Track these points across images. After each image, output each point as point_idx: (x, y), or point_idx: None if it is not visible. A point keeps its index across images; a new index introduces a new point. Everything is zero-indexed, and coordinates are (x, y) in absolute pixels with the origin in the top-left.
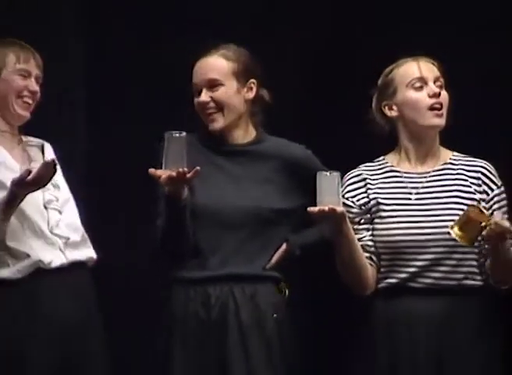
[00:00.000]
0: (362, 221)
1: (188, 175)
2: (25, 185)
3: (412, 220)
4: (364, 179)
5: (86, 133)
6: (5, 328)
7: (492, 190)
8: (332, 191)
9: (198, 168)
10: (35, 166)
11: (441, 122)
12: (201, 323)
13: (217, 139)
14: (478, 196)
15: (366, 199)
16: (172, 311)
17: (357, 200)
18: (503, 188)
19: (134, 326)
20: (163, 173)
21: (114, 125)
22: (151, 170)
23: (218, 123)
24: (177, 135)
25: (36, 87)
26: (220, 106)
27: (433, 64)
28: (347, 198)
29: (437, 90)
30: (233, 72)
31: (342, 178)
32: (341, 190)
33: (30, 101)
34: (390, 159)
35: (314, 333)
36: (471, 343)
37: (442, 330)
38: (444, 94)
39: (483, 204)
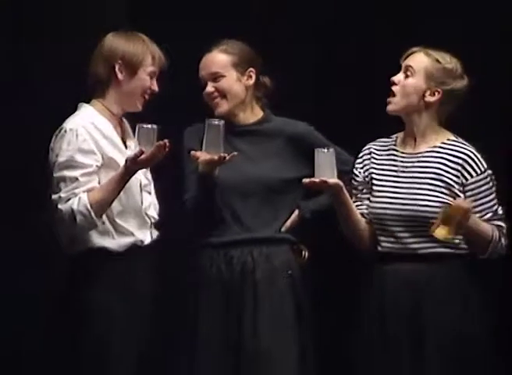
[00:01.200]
0: (364, 191)
1: (227, 158)
2: (137, 163)
3: (394, 196)
4: (370, 153)
5: None
6: (103, 295)
7: (472, 176)
8: (327, 166)
9: (235, 153)
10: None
11: (389, 107)
12: (225, 281)
13: (228, 123)
14: (454, 179)
15: (367, 172)
16: (200, 274)
17: (363, 171)
18: (486, 174)
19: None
20: (202, 155)
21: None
22: (192, 152)
23: (223, 107)
24: (216, 123)
25: (157, 88)
26: (223, 94)
27: (425, 54)
28: (356, 168)
29: (392, 78)
30: (232, 63)
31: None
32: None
33: (147, 98)
34: (398, 139)
35: (322, 289)
36: (447, 301)
37: (421, 290)
38: (405, 82)
39: (456, 187)
